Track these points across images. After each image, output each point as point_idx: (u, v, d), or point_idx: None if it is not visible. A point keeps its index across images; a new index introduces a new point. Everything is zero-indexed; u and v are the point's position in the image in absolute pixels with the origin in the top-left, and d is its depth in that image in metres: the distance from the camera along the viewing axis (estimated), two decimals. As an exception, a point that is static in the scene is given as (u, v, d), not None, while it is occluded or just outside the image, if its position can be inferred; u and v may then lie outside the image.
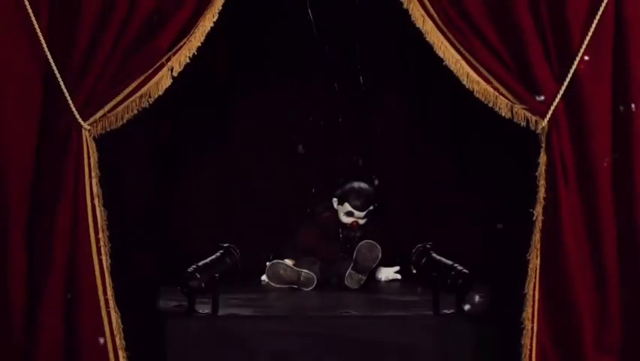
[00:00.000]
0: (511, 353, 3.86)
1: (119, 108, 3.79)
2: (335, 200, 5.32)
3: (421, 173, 5.77)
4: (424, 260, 4.97)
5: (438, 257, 4.85)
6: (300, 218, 5.46)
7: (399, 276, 5.30)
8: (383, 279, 5.27)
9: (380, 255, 5.05)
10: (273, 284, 5.05)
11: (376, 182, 5.46)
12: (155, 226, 5.60)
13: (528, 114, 3.77)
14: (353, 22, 5.44)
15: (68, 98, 3.74)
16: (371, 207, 5.29)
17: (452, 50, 3.80)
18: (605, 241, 3.74)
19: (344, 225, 5.31)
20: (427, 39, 3.82)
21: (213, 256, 4.74)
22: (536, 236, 3.76)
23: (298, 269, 5.05)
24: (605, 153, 3.74)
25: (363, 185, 5.30)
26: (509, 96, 3.78)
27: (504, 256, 4.74)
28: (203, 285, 4.26)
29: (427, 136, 5.79)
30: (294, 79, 5.51)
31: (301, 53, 5.39)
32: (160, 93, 3.84)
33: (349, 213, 5.27)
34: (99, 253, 3.78)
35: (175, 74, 3.84)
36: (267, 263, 5.12)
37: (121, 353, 3.81)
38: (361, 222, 5.29)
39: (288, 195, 5.69)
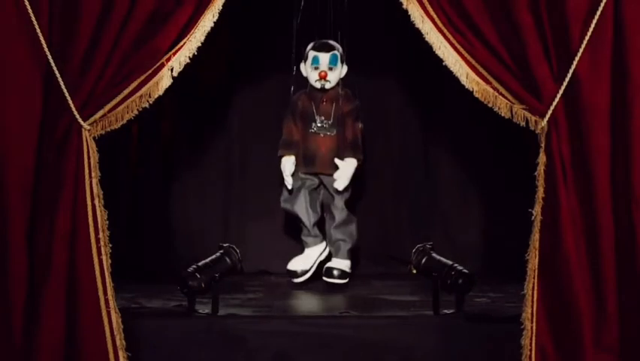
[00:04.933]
0: (511, 353, 3.86)
1: (119, 108, 3.79)
2: (302, 65, 5.07)
3: (421, 173, 5.78)
4: (424, 260, 4.97)
5: (438, 257, 4.86)
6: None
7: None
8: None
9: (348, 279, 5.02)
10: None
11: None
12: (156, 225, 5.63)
13: (527, 114, 3.77)
14: (354, 21, 5.44)
15: (68, 98, 3.74)
16: (337, 54, 4.98)
17: (451, 50, 3.79)
18: (603, 240, 3.74)
19: (316, 91, 5.03)
20: (427, 39, 3.82)
21: (213, 256, 4.75)
22: (535, 236, 3.76)
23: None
24: (604, 153, 3.74)
25: None
26: (509, 96, 3.78)
27: (504, 256, 4.75)
28: (203, 285, 4.27)
29: (427, 136, 5.80)
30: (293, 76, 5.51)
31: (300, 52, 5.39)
32: (160, 93, 3.84)
33: (315, 64, 4.98)
34: (99, 253, 3.77)
35: (175, 74, 3.84)
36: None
37: (121, 353, 3.80)
38: (330, 75, 4.98)
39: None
